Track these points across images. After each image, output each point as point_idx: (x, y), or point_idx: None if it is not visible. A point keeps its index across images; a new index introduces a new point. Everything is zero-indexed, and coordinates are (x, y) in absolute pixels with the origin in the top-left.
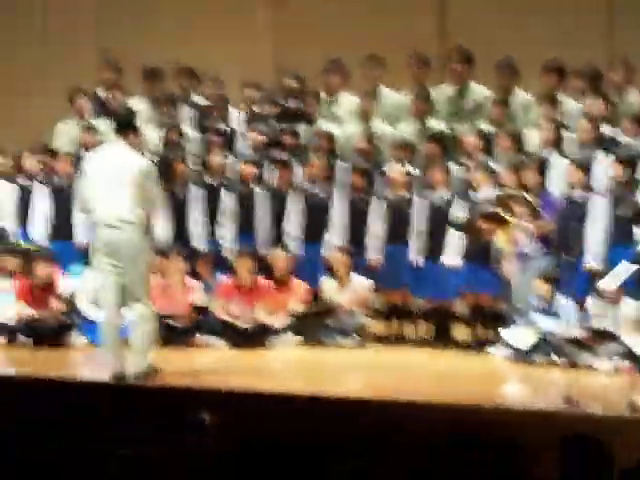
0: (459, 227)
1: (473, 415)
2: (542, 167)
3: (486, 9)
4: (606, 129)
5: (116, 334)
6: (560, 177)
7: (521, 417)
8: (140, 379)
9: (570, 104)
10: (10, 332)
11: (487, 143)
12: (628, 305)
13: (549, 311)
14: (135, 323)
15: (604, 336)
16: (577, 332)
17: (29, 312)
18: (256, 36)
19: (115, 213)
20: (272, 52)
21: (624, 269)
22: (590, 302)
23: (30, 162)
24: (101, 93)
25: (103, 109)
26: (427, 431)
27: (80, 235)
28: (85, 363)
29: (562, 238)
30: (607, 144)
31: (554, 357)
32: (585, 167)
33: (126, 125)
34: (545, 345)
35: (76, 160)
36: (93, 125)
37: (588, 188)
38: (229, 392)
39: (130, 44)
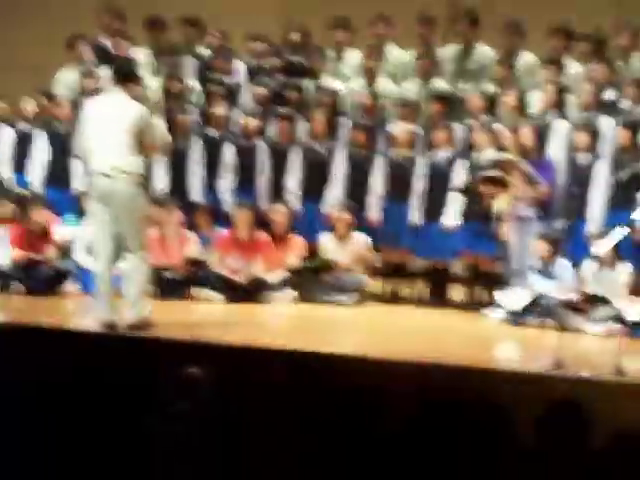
0: (460, 190)
1: (460, 376)
2: (544, 130)
3: None
4: (609, 94)
5: (109, 284)
6: (562, 140)
7: (507, 380)
8: (132, 330)
9: (575, 68)
10: (3, 278)
11: (491, 104)
12: (622, 270)
13: (547, 273)
14: (128, 274)
15: (597, 300)
16: (571, 295)
17: (23, 256)
18: None
19: (111, 162)
20: (279, 6)
21: (616, 233)
22: (586, 266)
23: (29, 107)
24: (103, 40)
25: (105, 56)
26: (413, 390)
27: (77, 183)
28: (77, 311)
29: (563, 202)
30: (609, 109)
31: (547, 319)
32: (590, 131)
33: (125, 74)
34: (539, 307)
35: (76, 106)
36: (93, 71)
37: (592, 152)
38: (224, 346)
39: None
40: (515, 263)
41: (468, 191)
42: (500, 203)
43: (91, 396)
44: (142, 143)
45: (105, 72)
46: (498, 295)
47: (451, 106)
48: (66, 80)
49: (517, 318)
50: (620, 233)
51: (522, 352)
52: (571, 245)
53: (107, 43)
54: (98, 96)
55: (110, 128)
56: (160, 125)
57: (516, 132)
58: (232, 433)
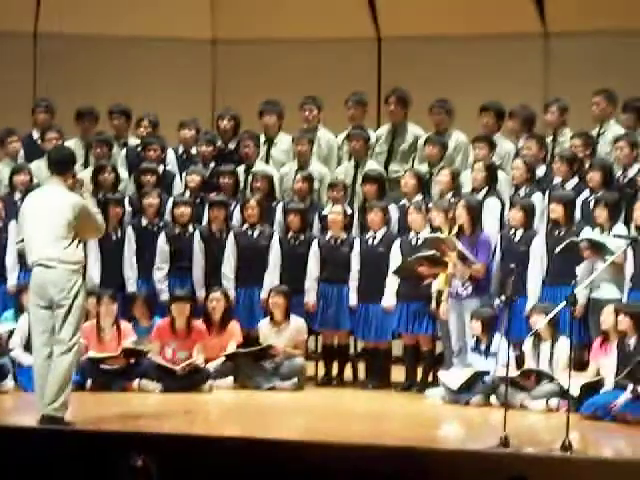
0: (399, 272)
1: (407, 457)
2: (475, 207)
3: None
4: (540, 170)
5: (44, 379)
6: (495, 218)
7: (455, 459)
8: (44, 423)
9: (506, 145)
10: None
11: (424, 183)
12: (562, 344)
13: (484, 351)
14: (52, 367)
15: (539, 376)
16: (511, 372)
17: None
18: (196, 81)
19: (49, 252)
20: (211, 94)
21: (555, 308)
22: (526, 342)
23: None
24: (35, 135)
25: (37, 150)
26: (361, 474)
27: (13, 279)
28: (15, 408)
29: (500, 278)
30: (541, 185)
31: (491, 397)
32: (524, 208)
33: (64, 165)
34: (480, 385)
35: (6, 202)
36: (25, 166)
37: (527, 228)
38: (162, 436)
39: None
40: (455, 342)
41: (406, 272)
42: (439, 282)
43: None
44: (80, 231)
45: (36, 165)
46: (441, 375)
47: (384, 187)
48: None
49: (460, 397)
50: (559, 308)
51: (466, 431)
52: (511, 321)
53: (37, 137)
54: (37, 190)
55: (48, 220)
56: (96, 212)
57: (447, 211)
58: None
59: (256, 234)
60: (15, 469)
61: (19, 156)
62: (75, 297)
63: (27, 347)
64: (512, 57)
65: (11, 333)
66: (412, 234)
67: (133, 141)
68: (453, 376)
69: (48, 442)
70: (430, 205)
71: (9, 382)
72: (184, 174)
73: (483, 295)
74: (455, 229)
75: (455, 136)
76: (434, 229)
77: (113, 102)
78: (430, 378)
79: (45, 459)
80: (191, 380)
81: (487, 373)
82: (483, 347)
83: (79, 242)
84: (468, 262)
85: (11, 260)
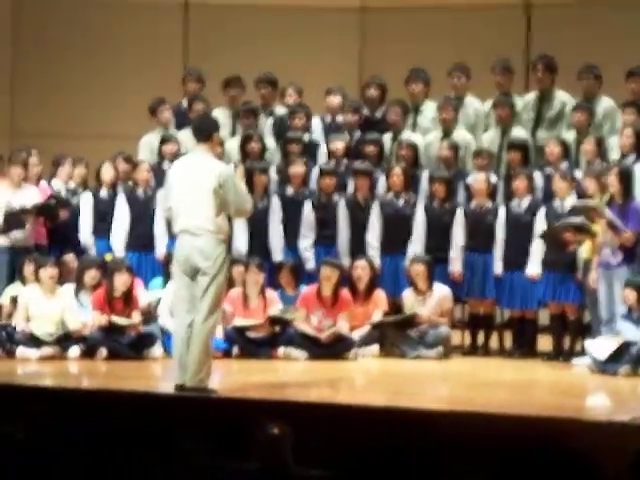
0: (545, 238)
1: (553, 427)
2: (627, 174)
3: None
4: None
5: (185, 346)
6: None
7: (601, 430)
8: (190, 392)
9: None
10: (89, 344)
11: (569, 151)
12: None
13: (637, 320)
14: (194, 336)
15: None
16: None
17: (107, 321)
18: (343, 49)
19: (196, 221)
20: (358, 63)
21: None
22: None
23: (108, 172)
24: (185, 104)
25: (186, 120)
26: (503, 443)
27: (161, 247)
28: (162, 375)
29: None
30: None
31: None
32: None
33: (206, 132)
34: (629, 355)
35: (156, 171)
36: (173, 136)
37: None
38: (307, 404)
39: (215, 60)
40: (603, 311)
41: (551, 238)
42: (586, 250)
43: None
44: (226, 203)
45: (186, 135)
46: (588, 344)
47: (530, 154)
48: (149, 145)
49: (607, 367)
50: None
51: (613, 402)
52: None
53: (186, 106)
54: (183, 158)
55: (195, 188)
56: (243, 188)
57: (599, 178)
58: None
59: (401, 203)
60: (153, 435)
61: (170, 125)
62: (220, 267)
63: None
64: None
65: (159, 301)
66: (557, 202)
67: (280, 110)
68: (601, 345)
69: (191, 409)
70: (576, 173)
71: (158, 349)
72: (330, 142)
73: (634, 264)
74: (606, 197)
75: (604, 102)
76: (581, 196)
77: (261, 71)
78: (577, 347)
79: (187, 426)
80: (336, 348)
81: (637, 343)
82: (636, 316)
83: (230, 210)
84: (618, 230)
85: (160, 228)
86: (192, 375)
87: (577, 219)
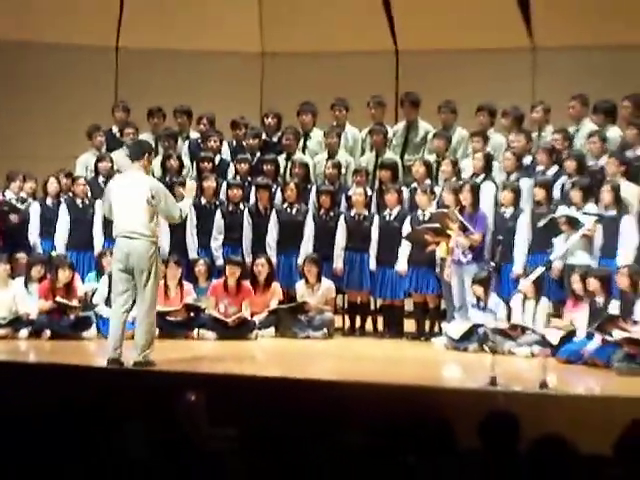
0: (409, 239)
1: (412, 393)
2: (477, 190)
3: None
4: (526, 160)
5: (121, 329)
6: (490, 199)
7: (454, 395)
8: (137, 366)
9: (499, 139)
10: (35, 327)
11: (431, 170)
12: (543, 302)
13: (482, 308)
14: (139, 321)
15: (523, 328)
16: (502, 325)
17: (50, 307)
18: (247, 85)
19: (131, 226)
20: (260, 97)
21: (536, 272)
22: (514, 300)
23: (52, 185)
24: (115, 130)
25: (116, 143)
26: (378, 406)
27: (97, 246)
28: (96, 353)
29: (492, 248)
30: (527, 172)
31: (484, 345)
32: (513, 190)
33: (141, 152)
34: (476, 335)
35: (92, 184)
36: (107, 155)
37: (515, 207)
38: (217, 375)
39: (142, 94)
40: (456, 300)
41: (415, 239)
42: (441, 250)
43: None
44: (160, 210)
45: (117, 155)
46: (444, 326)
47: (399, 173)
48: (85, 163)
49: (459, 345)
50: (539, 271)
51: (463, 372)
52: (501, 283)
53: (117, 132)
54: (121, 174)
55: (131, 199)
56: (172, 198)
57: (455, 193)
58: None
59: (294, 211)
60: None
61: (102, 147)
62: (154, 264)
63: (107, 303)
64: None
65: (94, 291)
66: (420, 212)
67: (194, 135)
68: (454, 327)
69: (118, 380)
70: (436, 188)
71: (93, 330)
72: (235, 162)
73: (480, 261)
74: (458, 207)
75: (458, 131)
76: (440, 207)
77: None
78: (435, 329)
79: (115, 396)
80: (240, 330)
81: (482, 325)
82: (482, 305)
83: (157, 219)
84: (468, 233)
85: (98, 231)
86: (141, 352)
87: (435, 224)
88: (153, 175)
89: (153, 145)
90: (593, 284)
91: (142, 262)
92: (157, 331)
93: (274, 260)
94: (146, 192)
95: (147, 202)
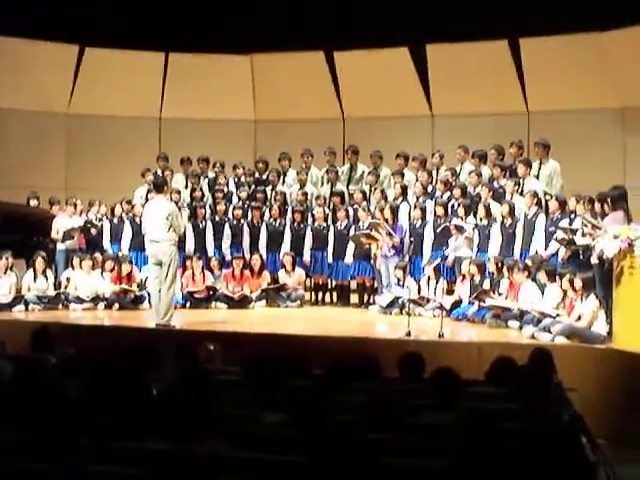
0: (352, 240)
1: (356, 342)
2: (396, 209)
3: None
4: (430, 188)
5: (156, 302)
6: (405, 214)
7: (381, 343)
8: (160, 327)
9: (411, 175)
10: (108, 302)
11: (367, 196)
12: (442, 281)
13: (402, 285)
14: (161, 297)
15: (427, 299)
16: (414, 296)
17: (118, 289)
18: (243, 143)
19: (157, 234)
20: (253, 149)
21: (436, 261)
22: (422, 280)
23: (119, 209)
24: (159, 171)
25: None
26: (328, 353)
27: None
28: (148, 318)
29: (408, 246)
30: (431, 196)
31: (403, 310)
32: (421, 209)
33: (161, 185)
34: (398, 304)
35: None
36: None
37: (423, 220)
38: (228, 332)
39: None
40: (384, 280)
41: (355, 241)
42: (374, 248)
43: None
44: (172, 224)
45: (141, 190)
46: (377, 298)
47: (345, 198)
48: (140, 194)
49: (386, 310)
50: (438, 261)
51: (389, 328)
52: (413, 269)
53: (160, 173)
54: (151, 200)
55: (156, 216)
56: (180, 219)
57: (382, 211)
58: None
59: (277, 224)
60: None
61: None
62: (172, 259)
63: None
64: (410, 129)
65: (146, 278)
66: (360, 223)
67: (211, 175)
68: (383, 299)
69: (162, 336)
70: (372, 208)
71: (146, 304)
72: (238, 192)
73: (399, 255)
74: (384, 220)
75: (384, 170)
76: (373, 220)
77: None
78: (371, 300)
79: (162, 346)
80: (242, 303)
81: (401, 297)
82: (402, 283)
83: (174, 229)
84: (391, 237)
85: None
86: (162, 317)
87: (369, 231)
88: (184, 201)
89: (184, 180)
90: (472, 269)
91: (164, 257)
92: (187, 304)
93: (264, 256)
94: (165, 212)
95: (166, 218)
